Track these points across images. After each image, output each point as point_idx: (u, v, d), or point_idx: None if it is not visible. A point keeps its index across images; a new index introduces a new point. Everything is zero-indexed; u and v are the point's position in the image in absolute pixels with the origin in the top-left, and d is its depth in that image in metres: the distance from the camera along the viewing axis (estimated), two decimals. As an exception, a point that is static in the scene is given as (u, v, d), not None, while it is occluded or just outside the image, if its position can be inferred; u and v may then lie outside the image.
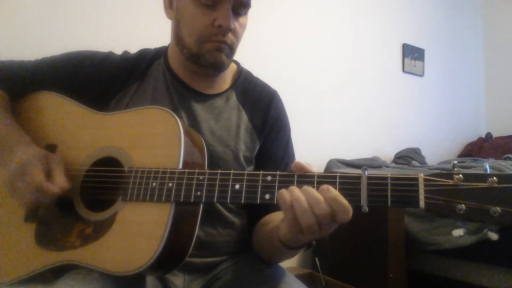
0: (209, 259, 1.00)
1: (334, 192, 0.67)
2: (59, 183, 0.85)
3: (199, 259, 0.99)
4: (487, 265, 2.05)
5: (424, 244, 2.19)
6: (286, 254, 0.91)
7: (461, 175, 0.62)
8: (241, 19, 0.99)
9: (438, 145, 3.55)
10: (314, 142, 2.67)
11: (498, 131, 3.72)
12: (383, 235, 2.09)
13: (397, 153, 3.15)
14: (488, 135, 3.75)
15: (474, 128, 3.95)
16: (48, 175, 0.85)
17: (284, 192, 0.70)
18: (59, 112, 1.02)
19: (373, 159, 2.92)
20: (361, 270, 2.22)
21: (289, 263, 2.51)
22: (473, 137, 3.83)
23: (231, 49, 1.00)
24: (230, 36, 0.97)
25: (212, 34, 0.95)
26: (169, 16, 1.04)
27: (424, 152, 3.20)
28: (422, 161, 3.07)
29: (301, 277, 2.24)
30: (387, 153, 3.15)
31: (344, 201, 0.67)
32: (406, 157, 3.03)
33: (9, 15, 1.79)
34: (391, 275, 2.05)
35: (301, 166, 0.73)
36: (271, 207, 0.97)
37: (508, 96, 3.91)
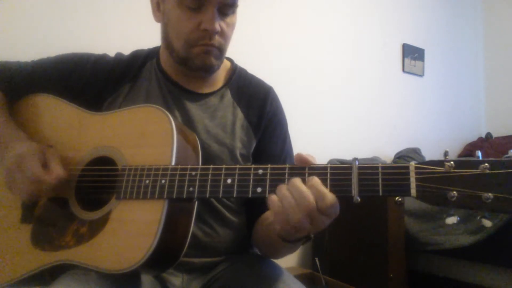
0: (208, 259, 1.00)
1: (315, 180, 0.67)
2: (56, 172, 0.86)
3: (198, 259, 0.98)
4: (487, 265, 2.05)
5: (424, 244, 2.19)
6: (286, 248, 0.90)
7: (452, 162, 0.60)
8: (229, 19, 0.98)
9: (438, 145, 3.54)
10: (314, 142, 2.67)
11: (498, 131, 3.72)
12: (383, 235, 2.09)
13: (397, 153, 3.15)
14: (488, 135, 3.74)
15: (474, 128, 3.95)
16: (45, 166, 0.86)
17: (272, 195, 0.70)
18: (54, 114, 1.03)
19: (373, 159, 2.92)
20: (361, 270, 2.22)
21: (289, 263, 2.51)
22: (473, 137, 3.83)
23: (220, 50, 0.99)
24: (217, 38, 0.96)
25: (198, 38, 0.94)
26: (157, 19, 1.03)
27: (424, 152, 3.20)
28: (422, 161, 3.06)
29: (301, 277, 2.24)
30: (387, 153, 3.15)
31: (323, 188, 0.66)
32: (406, 157, 3.04)
33: (9, 15, 1.80)
34: (391, 275, 2.05)
35: (304, 159, 0.71)
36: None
37: (508, 96, 3.90)
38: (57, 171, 0.86)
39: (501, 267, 1.98)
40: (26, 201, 0.93)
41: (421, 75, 3.59)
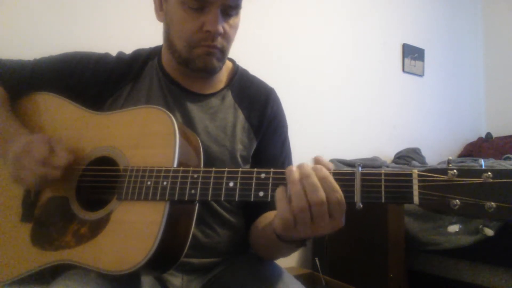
0: (208, 260, 1.00)
1: (325, 172, 0.67)
2: (64, 155, 0.86)
3: (197, 260, 0.98)
4: (487, 265, 2.04)
5: (424, 244, 2.19)
6: (281, 249, 0.89)
7: (455, 171, 0.61)
8: (232, 21, 0.97)
9: (438, 145, 3.55)
10: (314, 142, 2.67)
11: (498, 131, 3.72)
12: (383, 235, 2.08)
13: (397, 153, 3.15)
14: (488, 135, 3.75)
15: (474, 128, 3.95)
16: (52, 152, 0.87)
17: (292, 167, 0.69)
18: (56, 113, 1.02)
19: (373, 159, 2.92)
20: (361, 270, 2.22)
21: (289, 263, 2.51)
22: (473, 137, 3.83)
23: (222, 52, 0.98)
24: (220, 40, 0.95)
25: (201, 39, 0.94)
26: (159, 18, 1.03)
27: (424, 152, 3.20)
28: (422, 161, 3.07)
29: (301, 277, 2.24)
30: (387, 153, 3.15)
31: (334, 182, 0.66)
32: (406, 157, 3.04)
33: (9, 15, 1.80)
34: (391, 275, 2.04)
35: (322, 162, 0.70)
36: (268, 206, 0.96)
37: (508, 96, 3.90)
38: (64, 154, 0.87)
39: (501, 267, 1.98)
40: (35, 188, 0.92)
41: (421, 75, 3.59)
